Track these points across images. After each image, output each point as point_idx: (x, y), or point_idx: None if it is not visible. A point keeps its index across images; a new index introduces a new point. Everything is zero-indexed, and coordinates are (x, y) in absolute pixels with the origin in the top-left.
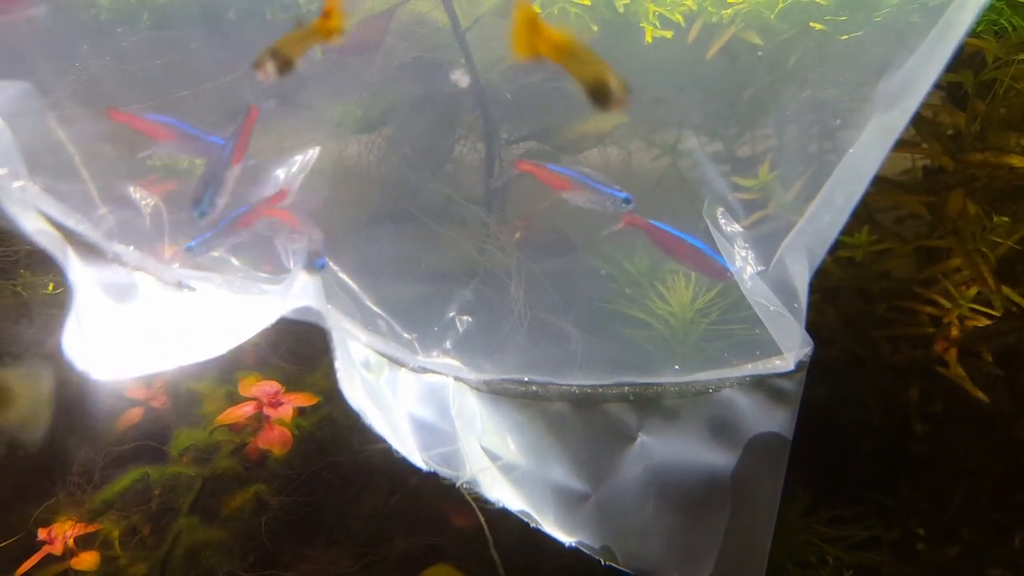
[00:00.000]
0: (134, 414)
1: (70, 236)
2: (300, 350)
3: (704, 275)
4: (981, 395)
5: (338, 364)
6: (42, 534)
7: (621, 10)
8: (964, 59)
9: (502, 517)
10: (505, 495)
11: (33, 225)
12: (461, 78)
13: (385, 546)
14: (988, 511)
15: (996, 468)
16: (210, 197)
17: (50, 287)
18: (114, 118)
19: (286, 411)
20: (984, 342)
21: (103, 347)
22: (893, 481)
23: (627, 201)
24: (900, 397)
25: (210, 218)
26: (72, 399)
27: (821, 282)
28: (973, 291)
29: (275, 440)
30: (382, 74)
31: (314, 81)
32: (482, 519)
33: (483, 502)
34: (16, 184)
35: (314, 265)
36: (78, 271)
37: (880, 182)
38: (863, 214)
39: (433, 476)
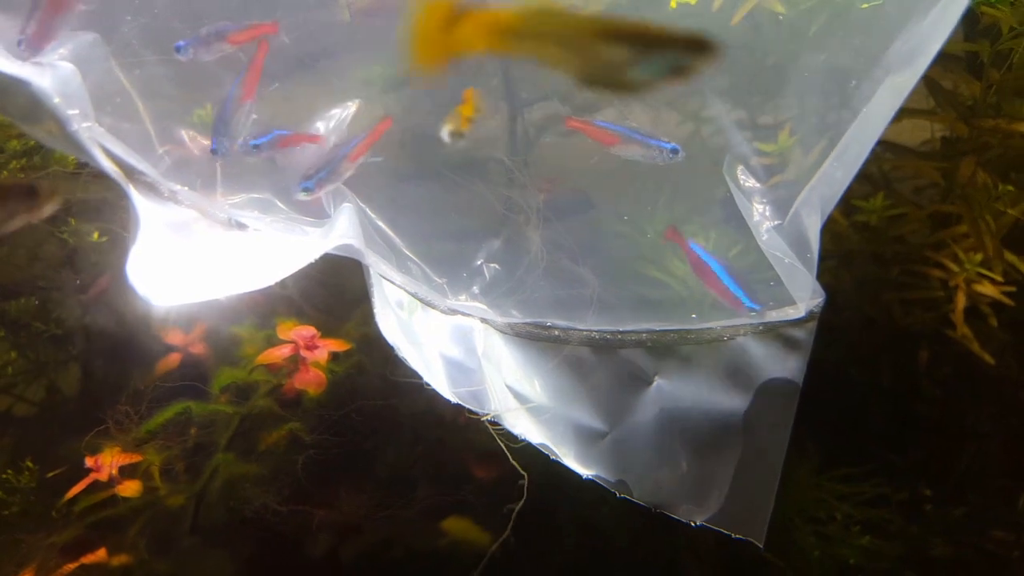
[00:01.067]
0: (172, 359)
1: (131, 173)
2: (333, 303)
3: (721, 301)
4: (988, 358)
5: (375, 301)
6: (89, 462)
7: None
8: (982, 30)
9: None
10: (527, 430)
11: (102, 161)
12: None
13: (407, 495)
14: (994, 474)
15: (1003, 432)
16: (221, 137)
17: (95, 235)
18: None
19: (321, 355)
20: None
21: (162, 275)
22: (902, 442)
23: (675, 151)
24: (911, 360)
25: (226, 154)
26: (111, 344)
27: (837, 246)
28: (980, 256)
29: (311, 381)
30: None
31: (344, 42)
32: (507, 451)
33: (509, 439)
34: (85, 124)
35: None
36: (140, 206)
37: (899, 151)
38: (881, 181)
39: (456, 429)
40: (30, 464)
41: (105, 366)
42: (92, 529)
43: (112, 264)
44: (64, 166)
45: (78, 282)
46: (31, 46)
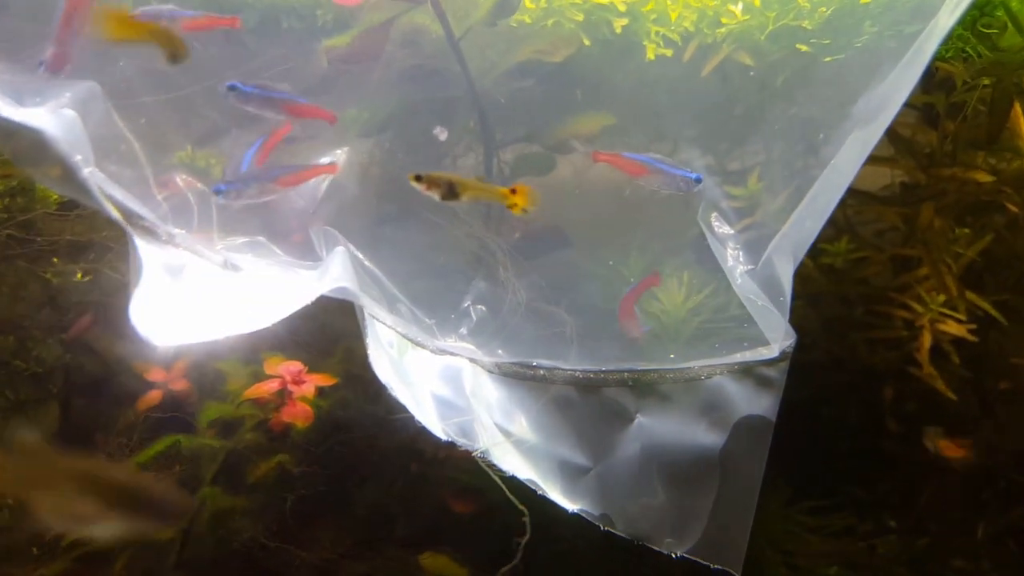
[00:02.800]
0: (153, 396)
1: (131, 217)
2: (316, 339)
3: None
4: (951, 394)
5: (368, 342)
6: None
7: (619, 31)
8: (937, 82)
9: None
10: (515, 465)
11: (104, 205)
12: (441, 132)
13: (387, 529)
14: (955, 506)
15: (963, 466)
16: (232, 187)
17: (78, 275)
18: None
19: (308, 389)
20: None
21: (163, 317)
22: (868, 476)
23: (698, 180)
24: (876, 397)
25: (226, 199)
26: (91, 382)
27: (804, 288)
28: (942, 297)
29: (298, 414)
30: (384, 81)
31: (322, 88)
32: (500, 483)
33: (496, 470)
34: (87, 170)
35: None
36: (141, 249)
37: (861, 196)
38: (844, 225)
39: (436, 464)
40: (9, 501)
41: (84, 404)
42: (79, 563)
43: (94, 303)
44: (47, 207)
45: (57, 321)
46: (50, 68)
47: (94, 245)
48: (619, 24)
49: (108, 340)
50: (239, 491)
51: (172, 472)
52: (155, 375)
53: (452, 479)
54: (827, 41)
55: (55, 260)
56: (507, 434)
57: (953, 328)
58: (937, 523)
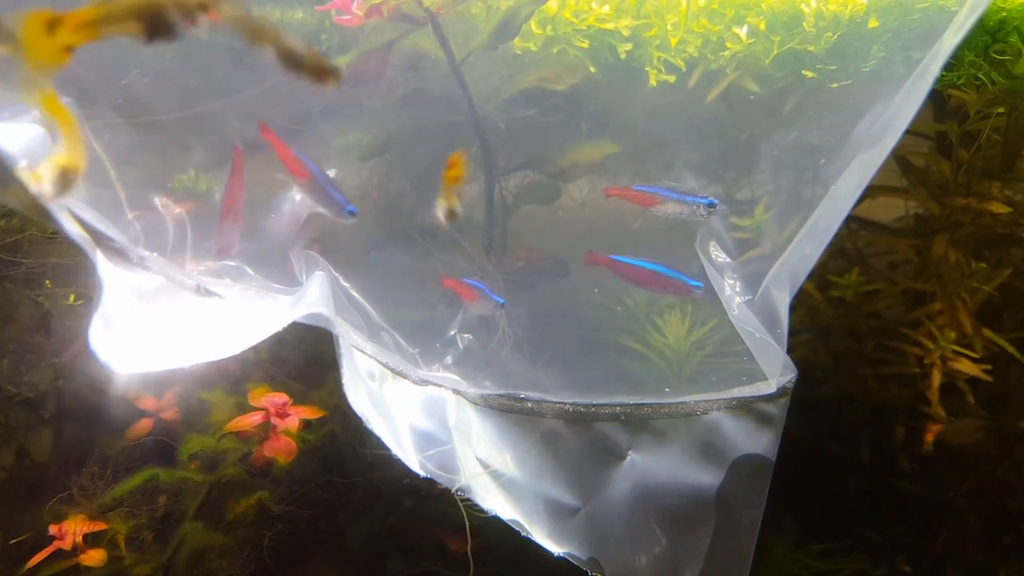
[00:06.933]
0: (143, 425)
1: (99, 239)
2: (306, 369)
3: (674, 294)
4: (965, 434)
5: (344, 371)
6: (53, 530)
7: (623, 56)
8: (950, 111)
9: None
10: (498, 504)
11: (68, 227)
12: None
13: (378, 568)
14: (974, 550)
15: (982, 508)
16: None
17: (71, 299)
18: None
19: (292, 422)
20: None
21: (126, 342)
22: (881, 517)
23: (712, 205)
24: (888, 434)
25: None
26: (83, 408)
27: (813, 320)
28: (954, 334)
29: (281, 449)
30: (385, 104)
31: (322, 111)
32: (467, 525)
33: (475, 509)
34: None
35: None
36: (106, 271)
37: (873, 227)
38: (856, 257)
39: (430, 500)
40: None
41: (76, 431)
42: None
43: (87, 328)
44: (42, 230)
45: (51, 345)
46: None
47: (85, 268)
48: (623, 49)
49: (101, 366)
50: (220, 527)
51: (156, 506)
52: (146, 403)
53: (448, 515)
54: (833, 67)
55: (48, 283)
56: (490, 470)
57: (966, 366)
58: (955, 568)
